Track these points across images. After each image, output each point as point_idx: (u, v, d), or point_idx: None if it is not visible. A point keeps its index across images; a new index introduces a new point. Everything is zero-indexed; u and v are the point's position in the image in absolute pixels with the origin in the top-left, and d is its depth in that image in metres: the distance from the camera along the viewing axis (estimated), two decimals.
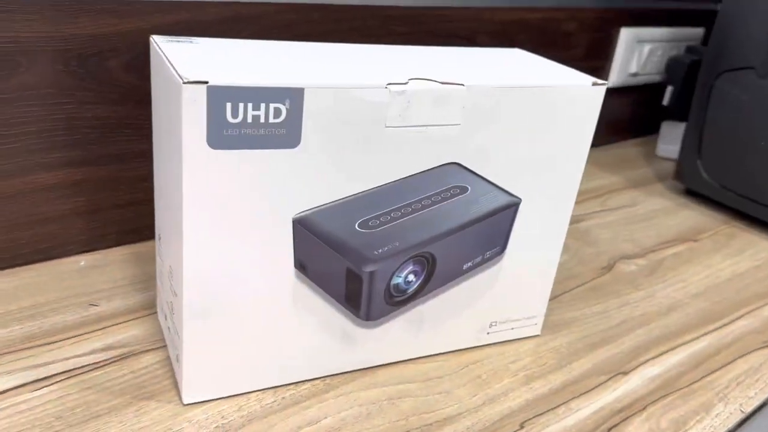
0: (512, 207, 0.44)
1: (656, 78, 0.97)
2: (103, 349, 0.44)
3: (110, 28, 0.48)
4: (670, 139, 0.95)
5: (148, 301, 0.49)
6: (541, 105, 0.42)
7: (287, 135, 0.35)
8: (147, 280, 0.52)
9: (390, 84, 0.37)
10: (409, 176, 0.40)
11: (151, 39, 0.39)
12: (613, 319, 0.55)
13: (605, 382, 0.47)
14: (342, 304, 0.42)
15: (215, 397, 0.41)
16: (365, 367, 0.45)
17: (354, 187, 0.38)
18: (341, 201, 0.39)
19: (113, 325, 0.46)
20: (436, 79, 0.38)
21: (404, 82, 0.37)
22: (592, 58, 0.87)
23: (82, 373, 0.42)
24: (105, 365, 0.43)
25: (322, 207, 0.38)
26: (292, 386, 0.43)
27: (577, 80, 0.43)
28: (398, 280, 0.42)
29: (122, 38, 0.49)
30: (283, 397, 0.42)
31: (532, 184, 0.44)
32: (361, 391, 0.43)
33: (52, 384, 0.40)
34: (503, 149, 0.42)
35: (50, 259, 0.53)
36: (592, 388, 0.46)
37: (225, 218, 0.36)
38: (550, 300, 0.57)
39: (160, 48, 0.37)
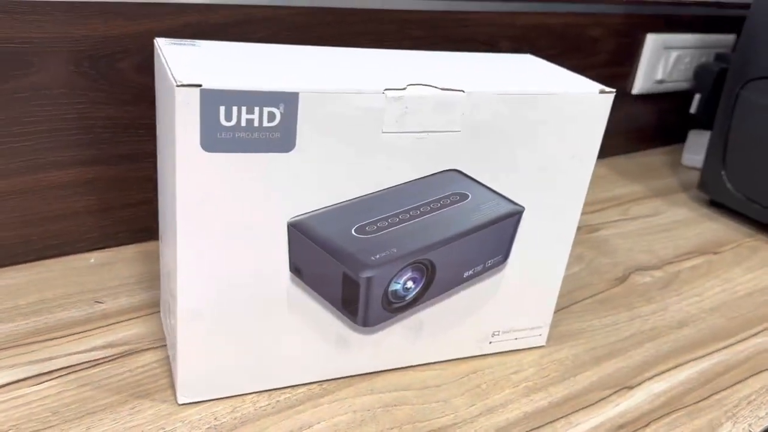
0: (515, 215, 0.43)
1: (684, 85, 0.95)
2: (104, 347, 0.44)
3: (121, 29, 0.49)
4: (697, 148, 0.92)
5: (153, 299, 0.50)
6: (545, 113, 0.41)
7: (282, 139, 0.35)
8: (154, 278, 0.52)
9: (387, 89, 0.36)
10: (408, 182, 0.40)
11: (155, 41, 0.40)
12: (622, 332, 0.54)
13: (609, 396, 0.46)
14: (339, 310, 0.42)
15: (210, 398, 0.41)
16: (362, 373, 0.45)
17: (350, 193, 0.38)
18: (337, 206, 0.38)
19: (117, 322, 0.47)
20: (436, 85, 0.38)
21: (402, 87, 0.37)
22: (617, 65, 0.85)
23: (81, 369, 0.42)
24: (105, 362, 0.43)
25: (318, 211, 0.38)
26: (288, 389, 0.43)
27: (583, 88, 0.42)
28: (396, 286, 0.42)
29: (133, 40, 0.50)
30: (278, 401, 0.42)
31: (536, 192, 0.43)
32: (356, 397, 0.43)
33: (51, 379, 0.41)
34: (505, 157, 0.41)
35: (61, 256, 0.54)
36: (595, 403, 0.45)
37: (219, 221, 0.36)
38: (558, 310, 0.56)
39: (161, 50, 0.38)
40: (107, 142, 0.52)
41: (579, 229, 0.71)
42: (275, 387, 0.43)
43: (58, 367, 0.42)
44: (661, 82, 0.91)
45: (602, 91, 0.42)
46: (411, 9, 0.63)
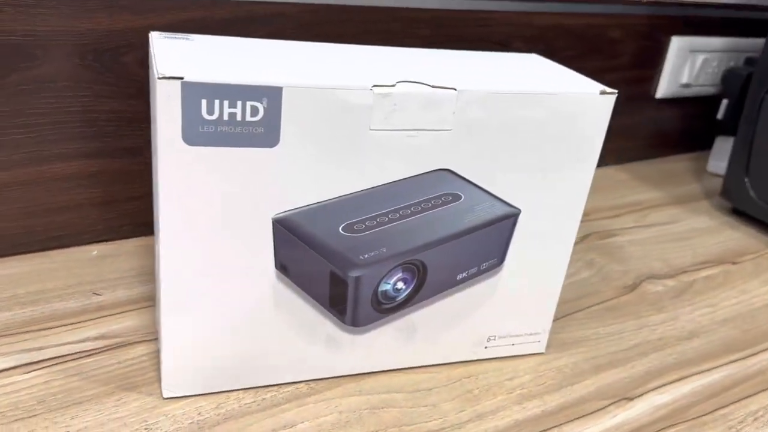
0: (510, 218, 0.42)
1: (711, 90, 0.92)
2: (96, 338, 0.45)
3: (126, 23, 0.49)
4: (723, 155, 0.89)
5: (151, 293, 0.50)
6: (543, 113, 0.40)
7: (265, 134, 0.35)
8: (153, 272, 0.53)
9: (375, 86, 0.36)
10: (397, 181, 0.39)
11: (150, 35, 0.40)
12: (627, 342, 0.52)
13: (607, 407, 0.45)
14: (326, 309, 0.41)
15: (196, 393, 0.41)
16: (352, 373, 0.44)
17: (338, 190, 0.38)
18: (324, 203, 0.38)
19: (112, 314, 0.47)
20: (427, 83, 0.37)
21: (391, 84, 0.36)
22: (639, 67, 0.83)
23: (71, 360, 0.43)
24: (95, 353, 0.43)
25: (304, 208, 0.38)
26: (274, 388, 0.42)
27: (583, 88, 0.41)
28: (386, 287, 0.41)
29: (137, 34, 0.50)
30: (264, 398, 0.41)
31: (535, 194, 0.42)
32: (343, 398, 0.42)
33: (41, 368, 0.41)
34: (501, 157, 0.40)
35: (64, 247, 0.54)
36: (591, 413, 0.44)
37: (202, 214, 0.36)
38: (562, 317, 0.54)
39: (153, 44, 0.38)
40: (111, 136, 0.52)
41: (592, 234, 0.69)
42: (262, 385, 0.42)
43: (49, 356, 0.43)
44: (686, 86, 0.89)
45: (603, 92, 0.41)
46: (421, 7, 0.62)
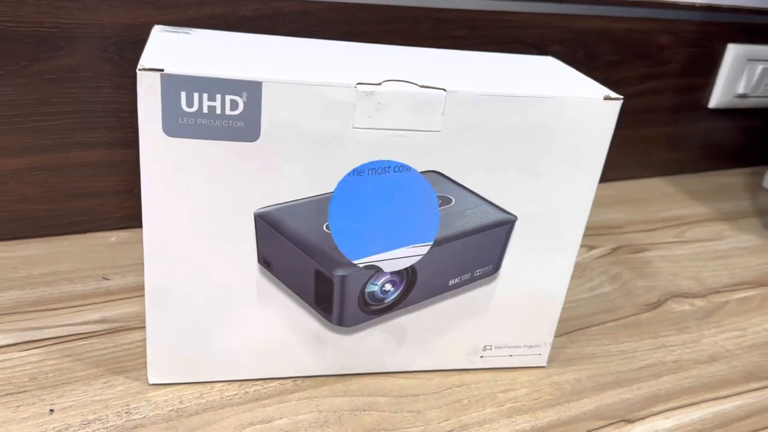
0: (505, 225, 0.41)
1: None
2: (97, 321, 0.46)
3: (148, 18, 0.51)
4: None
5: None
6: (540, 117, 0.38)
7: (245, 128, 0.35)
8: None
9: (359, 83, 0.35)
10: None
11: (153, 29, 0.40)
12: (639, 361, 0.50)
13: (602, 428, 0.43)
14: (312, 307, 0.41)
15: (181, 382, 0.42)
16: (339, 373, 0.44)
17: (319, 187, 0.37)
18: (307, 199, 0.38)
19: (117, 299, 0.49)
20: (416, 82, 0.36)
21: (377, 82, 0.36)
22: (690, 76, 0.79)
23: (69, 341, 0.44)
24: (93, 336, 0.45)
25: (287, 204, 0.38)
26: (260, 382, 0.43)
27: (586, 93, 0.39)
28: (374, 288, 0.41)
29: None
30: (246, 392, 0.42)
31: (529, 203, 0.41)
32: (326, 397, 0.42)
33: (39, 347, 0.43)
34: (495, 162, 0.39)
35: (85, 233, 0.56)
36: None
37: (184, 206, 0.36)
38: (572, 331, 0.52)
39: (151, 37, 0.38)
40: (131, 126, 0.54)
41: (622, 247, 0.66)
42: (247, 378, 0.42)
43: (49, 336, 0.44)
44: (743, 96, 0.84)
45: (608, 98, 0.39)
46: (451, 7, 0.61)
